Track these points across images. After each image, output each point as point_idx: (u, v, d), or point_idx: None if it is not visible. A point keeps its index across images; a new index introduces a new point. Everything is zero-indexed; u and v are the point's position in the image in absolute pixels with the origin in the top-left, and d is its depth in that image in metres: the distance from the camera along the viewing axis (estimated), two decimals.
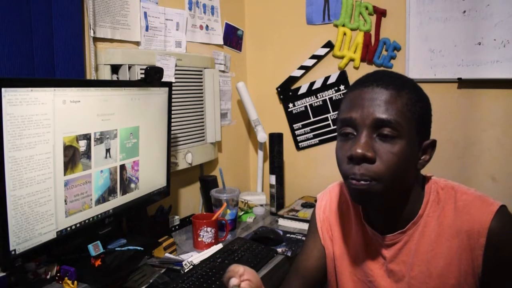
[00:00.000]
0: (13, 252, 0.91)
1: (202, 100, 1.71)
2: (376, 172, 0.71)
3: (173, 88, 1.41)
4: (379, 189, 0.72)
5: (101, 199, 1.15)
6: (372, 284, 0.84)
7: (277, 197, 1.80)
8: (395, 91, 0.73)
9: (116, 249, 1.19)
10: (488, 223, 0.72)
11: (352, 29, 1.79)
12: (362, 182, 0.72)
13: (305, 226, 1.51)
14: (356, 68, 1.82)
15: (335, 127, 1.91)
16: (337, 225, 0.93)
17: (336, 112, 1.90)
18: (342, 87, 1.87)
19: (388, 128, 0.72)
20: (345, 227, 0.92)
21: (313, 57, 1.90)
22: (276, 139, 1.82)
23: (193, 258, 1.24)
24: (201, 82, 1.70)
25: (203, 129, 1.73)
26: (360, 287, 0.87)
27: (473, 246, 0.74)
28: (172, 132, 1.48)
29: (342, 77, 1.85)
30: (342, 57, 1.83)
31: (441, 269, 0.77)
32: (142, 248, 1.19)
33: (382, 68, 1.75)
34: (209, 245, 1.37)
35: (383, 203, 0.77)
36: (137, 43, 1.46)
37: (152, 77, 1.27)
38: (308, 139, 1.98)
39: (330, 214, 0.95)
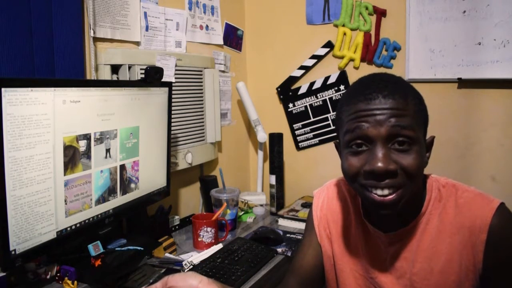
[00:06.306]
0: (13, 252, 0.91)
1: (202, 100, 1.71)
2: (402, 182, 0.72)
3: (173, 88, 1.41)
4: (406, 195, 0.73)
5: (101, 199, 1.15)
6: (374, 280, 0.85)
7: (277, 197, 1.80)
8: (403, 99, 0.73)
9: (116, 249, 1.19)
10: (490, 219, 0.73)
11: (352, 29, 1.79)
12: (390, 197, 0.72)
13: (304, 226, 1.51)
14: (356, 68, 1.81)
15: (335, 127, 1.91)
16: (335, 223, 0.93)
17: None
18: (342, 87, 1.86)
19: (403, 137, 0.71)
20: (344, 224, 0.92)
21: (313, 57, 1.90)
22: (276, 139, 1.82)
23: (193, 258, 1.24)
24: (201, 82, 1.70)
25: (203, 129, 1.73)
26: (362, 283, 0.87)
27: (474, 242, 0.75)
28: (172, 132, 1.48)
29: (342, 77, 1.85)
30: (342, 57, 1.83)
31: (442, 266, 0.77)
32: (142, 248, 1.20)
33: (378, 71, 1.75)
34: (209, 245, 1.37)
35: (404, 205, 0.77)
36: (137, 43, 1.46)
37: (152, 77, 1.27)
38: (308, 139, 1.98)
39: (328, 212, 0.95)
